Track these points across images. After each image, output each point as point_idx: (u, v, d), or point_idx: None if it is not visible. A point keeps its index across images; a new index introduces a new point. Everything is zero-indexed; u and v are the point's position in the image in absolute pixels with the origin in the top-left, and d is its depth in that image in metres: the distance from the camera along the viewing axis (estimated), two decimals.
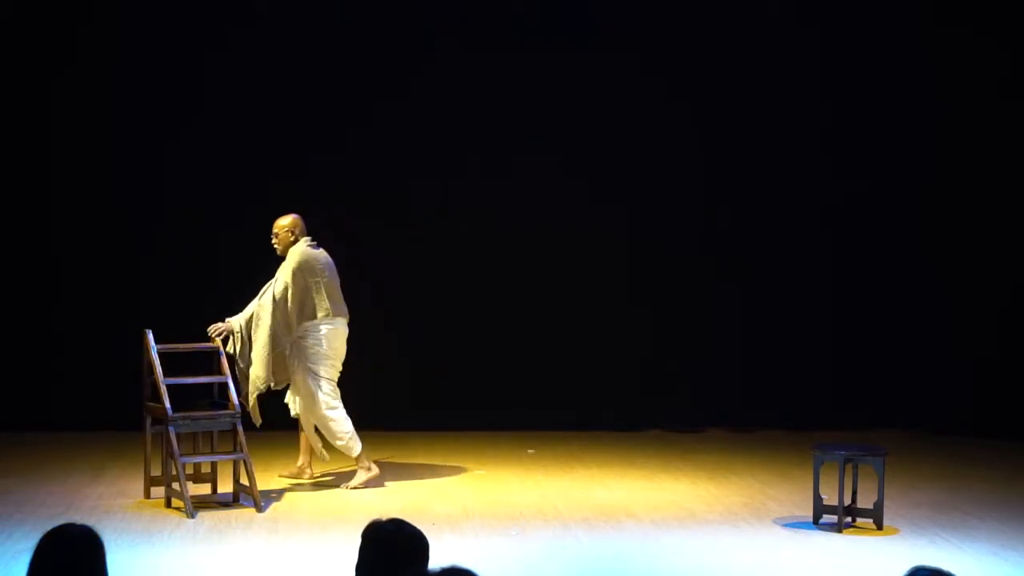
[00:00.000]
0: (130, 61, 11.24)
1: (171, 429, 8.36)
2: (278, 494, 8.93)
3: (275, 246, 9.26)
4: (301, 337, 9.08)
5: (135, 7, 11.27)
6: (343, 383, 11.41)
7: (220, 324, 8.93)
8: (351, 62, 11.45)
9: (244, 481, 8.61)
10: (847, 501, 8.11)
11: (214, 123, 11.28)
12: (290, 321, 9.06)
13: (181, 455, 8.37)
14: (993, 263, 11.50)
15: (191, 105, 11.26)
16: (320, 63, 11.42)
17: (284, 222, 9.25)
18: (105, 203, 11.15)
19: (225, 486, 8.84)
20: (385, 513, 8.09)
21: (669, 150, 11.72)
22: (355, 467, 9.33)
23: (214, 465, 8.89)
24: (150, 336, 8.61)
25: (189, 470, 8.67)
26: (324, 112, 11.44)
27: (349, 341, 9.30)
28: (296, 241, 9.21)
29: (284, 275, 9.11)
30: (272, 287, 9.10)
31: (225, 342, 8.96)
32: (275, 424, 10.82)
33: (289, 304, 9.03)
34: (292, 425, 11.17)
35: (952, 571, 3.57)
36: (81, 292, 11.14)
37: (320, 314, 9.12)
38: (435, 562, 3.73)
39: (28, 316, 11.22)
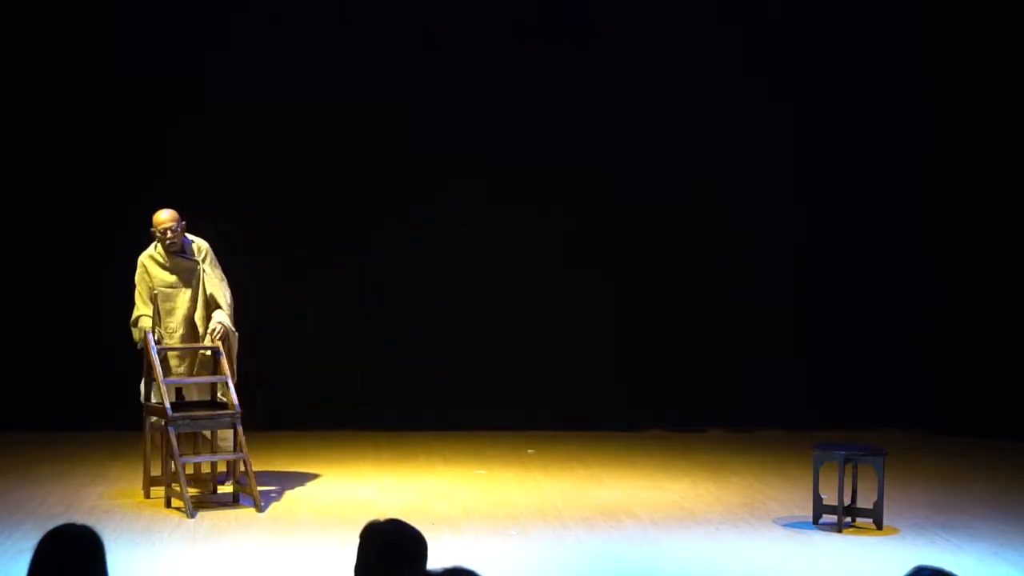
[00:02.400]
0: (129, 61, 11.22)
1: (171, 429, 8.36)
2: (278, 494, 8.93)
3: (173, 241, 8.80)
4: None
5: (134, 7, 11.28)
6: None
7: (217, 325, 8.86)
8: (350, 61, 11.44)
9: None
10: (847, 501, 8.11)
11: (212, 123, 11.26)
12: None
13: (181, 455, 8.37)
14: (994, 263, 11.49)
15: (190, 105, 11.25)
16: (319, 62, 11.41)
17: (172, 215, 8.79)
18: (105, 202, 11.13)
19: (225, 486, 8.84)
20: (385, 513, 8.11)
21: (670, 150, 11.72)
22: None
23: (214, 465, 8.89)
24: (150, 336, 8.61)
25: (189, 470, 8.67)
26: (321, 110, 11.44)
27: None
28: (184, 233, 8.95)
29: (216, 267, 8.93)
30: (209, 284, 8.86)
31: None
32: (275, 423, 10.87)
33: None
34: (291, 424, 11.22)
35: (952, 571, 3.56)
36: (81, 292, 11.12)
37: None
38: (435, 562, 3.73)
39: (28, 316, 11.21)
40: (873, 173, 11.77)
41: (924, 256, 11.71)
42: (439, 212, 11.60)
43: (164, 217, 8.83)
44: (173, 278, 8.88)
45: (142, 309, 8.85)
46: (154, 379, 8.54)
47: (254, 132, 11.27)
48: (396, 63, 11.49)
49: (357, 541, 3.94)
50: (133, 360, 9.00)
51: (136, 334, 8.84)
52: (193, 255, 8.92)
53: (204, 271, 8.91)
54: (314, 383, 11.35)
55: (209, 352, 8.81)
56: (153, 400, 8.61)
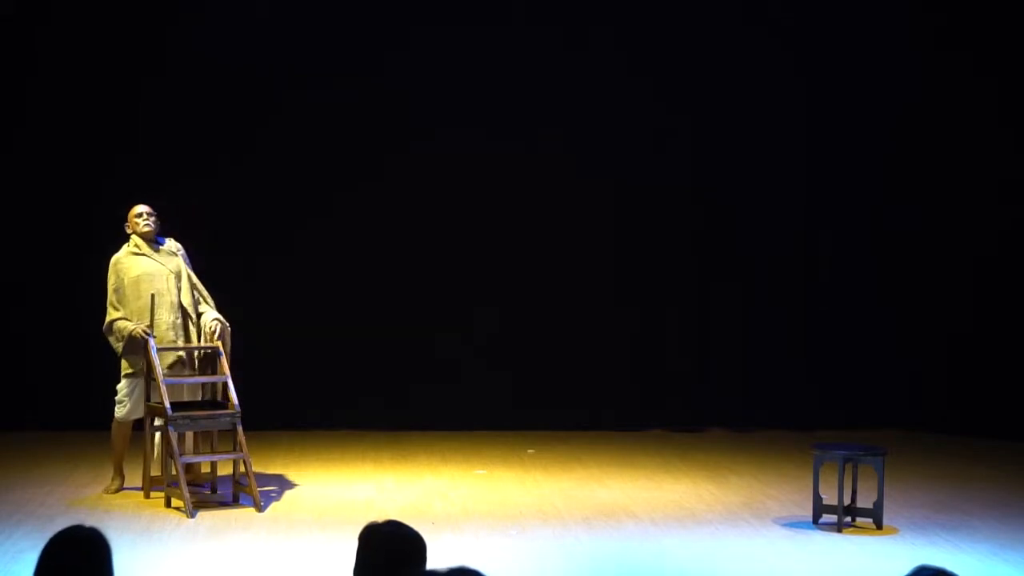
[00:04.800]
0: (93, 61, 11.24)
1: (171, 429, 8.35)
2: (278, 494, 8.93)
3: (148, 225, 8.86)
4: None
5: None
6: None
7: (214, 324, 8.83)
8: (342, 44, 11.46)
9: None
10: (847, 501, 8.11)
11: (207, 121, 11.27)
12: None
13: (181, 455, 8.37)
14: (994, 263, 11.49)
15: (184, 102, 11.26)
16: (310, 45, 11.41)
17: (147, 206, 8.90)
18: (105, 202, 11.11)
19: (225, 486, 8.84)
20: (385, 513, 8.11)
21: (669, 151, 11.72)
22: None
23: (214, 465, 8.88)
24: (151, 339, 8.59)
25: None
26: (318, 107, 11.45)
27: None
28: None
29: (187, 266, 8.96)
30: (186, 280, 8.87)
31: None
32: (275, 423, 10.86)
33: None
34: (291, 424, 11.22)
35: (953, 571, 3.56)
36: (81, 291, 11.10)
37: None
38: (436, 562, 3.73)
39: (28, 315, 11.21)
40: (874, 172, 11.77)
41: (924, 256, 11.71)
42: (439, 212, 11.60)
43: (141, 207, 8.94)
44: (154, 264, 8.85)
45: (114, 314, 8.80)
46: (153, 379, 8.53)
47: (239, 128, 11.25)
48: (394, 50, 11.49)
49: (356, 541, 3.94)
50: None
51: (113, 341, 8.79)
52: (168, 248, 8.98)
53: (182, 260, 8.96)
54: (314, 383, 11.35)
55: (206, 352, 8.82)
56: (152, 400, 8.60)
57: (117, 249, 8.98)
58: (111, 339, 8.82)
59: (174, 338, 8.78)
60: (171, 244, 9.01)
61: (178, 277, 8.88)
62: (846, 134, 11.76)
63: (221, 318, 8.84)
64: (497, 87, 11.59)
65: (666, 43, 11.65)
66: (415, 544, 3.88)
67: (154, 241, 8.93)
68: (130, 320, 8.72)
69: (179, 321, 8.82)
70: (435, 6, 11.53)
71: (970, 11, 11.48)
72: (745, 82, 11.72)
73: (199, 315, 8.89)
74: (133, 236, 8.93)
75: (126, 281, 8.81)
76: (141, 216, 8.90)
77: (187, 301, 8.87)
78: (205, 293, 8.99)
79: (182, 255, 9.00)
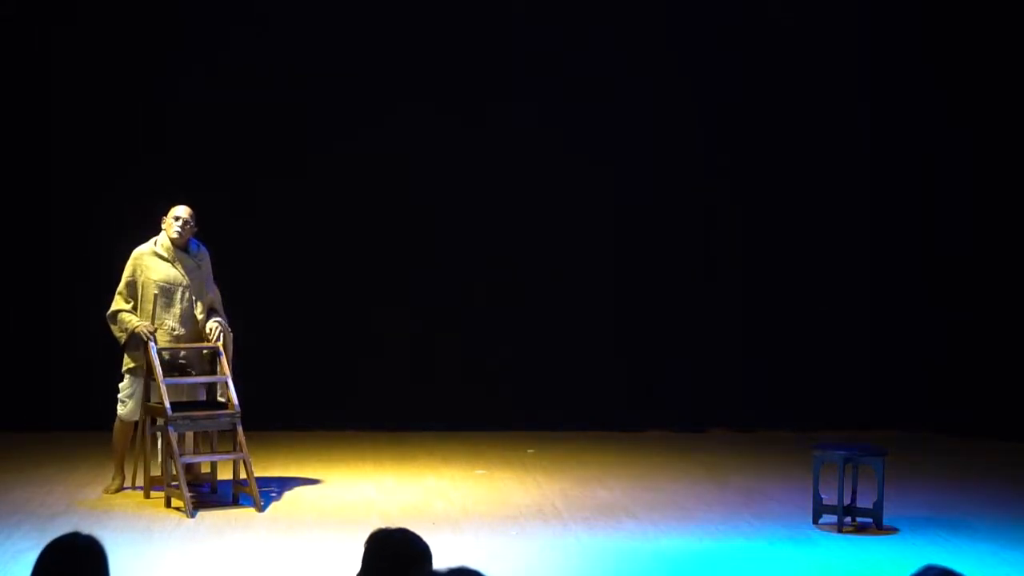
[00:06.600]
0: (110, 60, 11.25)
1: (171, 429, 8.35)
2: (278, 494, 8.93)
3: (181, 233, 8.76)
4: None
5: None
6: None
7: (215, 325, 8.84)
8: (346, 46, 11.47)
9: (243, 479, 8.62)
10: (847, 501, 8.12)
11: (207, 121, 11.27)
12: None
13: (181, 455, 8.37)
14: (995, 265, 11.49)
15: (190, 109, 11.26)
16: (310, 44, 11.42)
17: (190, 211, 8.80)
18: (105, 202, 11.12)
19: (225, 486, 8.84)
20: (385, 512, 8.13)
21: (671, 147, 11.73)
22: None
23: (214, 465, 8.89)
24: (152, 341, 8.58)
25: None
26: (320, 116, 11.46)
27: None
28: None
29: (212, 277, 8.94)
30: (209, 288, 8.89)
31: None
32: (275, 423, 10.86)
33: None
34: (291, 424, 11.21)
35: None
36: (81, 291, 11.11)
37: None
38: (435, 562, 3.73)
39: (27, 315, 11.21)
40: (869, 172, 11.77)
41: (923, 256, 11.71)
42: (439, 214, 11.59)
43: (182, 209, 8.82)
44: (175, 273, 8.79)
45: (121, 304, 8.76)
46: (153, 379, 8.53)
47: (241, 129, 11.26)
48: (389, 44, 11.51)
49: (356, 541, 3.94)
50: None
51: (115, 330, 8.76)
52: (196, 256, 8.91)
53: (205, 273, 8.91)
54: (314, 383, 11.34)
55: (207, 352, 8.82)
56: (152, 400, 8.60)
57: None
58: (114, 327, 8.79)
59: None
60: (200, 251, 8.93)
61: (194, 289, 8.83)
62: (846, 134, 11.76)
63: (223, 322, 8.83)
64: (496, 87, 11.59)
65: (666, 43, 11.64)
66: (425, 554, 3.89)
67: (183, 248, 8.85)
68: (135, 316, 8.73)
69: (183, 334, 8.80)
70: (436, 5, 11.54)
71: (971, 11, 11.48)
72: (745, 82, 11.71)
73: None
74: (164, 234, 8.85)
75: (140, 280, 8.77)
76: (177, 220, 8.78)
77: (201, 317, 8.85)
78: (219, 305, 8.96)
79: (206, 264, 8.94)
